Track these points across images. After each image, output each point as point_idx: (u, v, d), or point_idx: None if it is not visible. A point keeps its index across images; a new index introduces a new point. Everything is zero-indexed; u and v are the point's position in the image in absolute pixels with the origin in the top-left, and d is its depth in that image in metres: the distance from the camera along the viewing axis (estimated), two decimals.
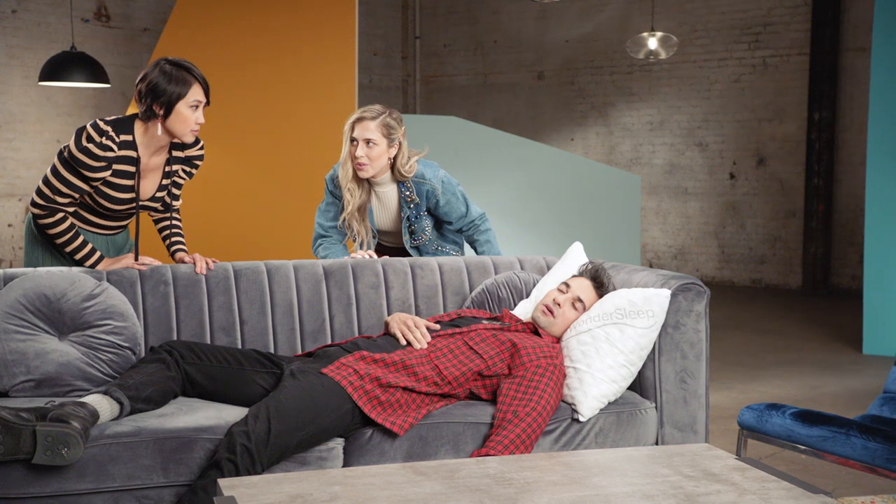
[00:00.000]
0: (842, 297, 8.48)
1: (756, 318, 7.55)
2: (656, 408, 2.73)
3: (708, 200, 9.71)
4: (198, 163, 3.06)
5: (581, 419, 2.57)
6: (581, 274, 2.89)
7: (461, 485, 1.86)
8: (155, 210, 3.02)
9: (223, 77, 5.08)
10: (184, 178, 3.06)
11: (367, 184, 3.26)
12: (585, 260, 3.08)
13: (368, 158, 3.15)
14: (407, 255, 3.39)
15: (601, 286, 2.84)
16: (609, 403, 2.64)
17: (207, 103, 2.88)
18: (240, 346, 2.90)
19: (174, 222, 3.10)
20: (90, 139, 2.75)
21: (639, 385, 2.78)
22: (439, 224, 3.41)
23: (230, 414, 2.44)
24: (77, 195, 2.83)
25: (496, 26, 10.85)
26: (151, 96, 2.78)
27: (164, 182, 2.97)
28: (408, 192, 3.26)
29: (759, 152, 9.38)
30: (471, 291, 3.14)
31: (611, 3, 10.08)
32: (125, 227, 3.10)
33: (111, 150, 2.76)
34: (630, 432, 2.66)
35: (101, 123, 2.79)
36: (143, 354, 2.78)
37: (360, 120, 3.15)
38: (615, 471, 1.98)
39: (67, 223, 2.86)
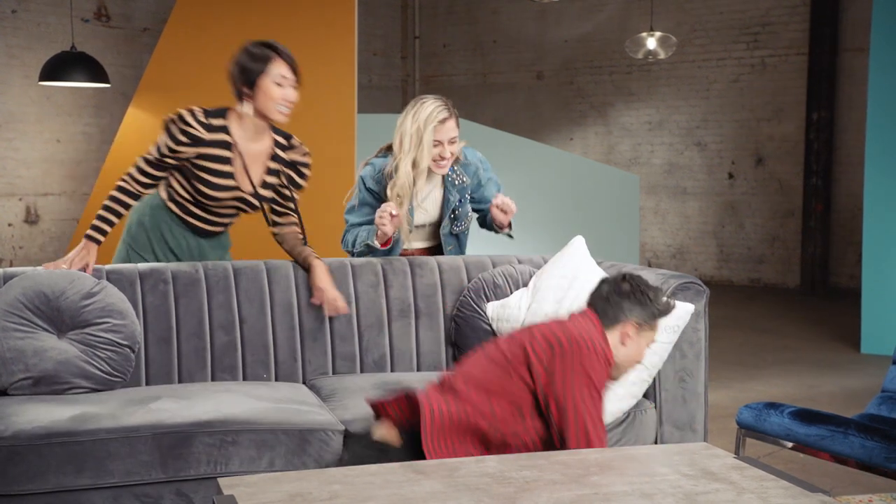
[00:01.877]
0: (840, 297, 8.49)
1: (754, 318, 7.55)
2: (655, 407, 2.73)
3: (707, 200, 9.72)
4: (304, 171, 3.00)
5: None
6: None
7: (460, 483, 1.86)
8: (254, 209, 2.97)
9: (222, 77, 5.08)
10: (290, 188, 2.99)
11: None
12: (586, 255, 3.03)
13: (452, 154, 3.06)
14: (435, 254, 3.27)
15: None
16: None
17: (299, 82, 2.87)
18: (239, 345, 2.91)
19: (298, 234, 3.02)
20: (178, 118, 2.81)
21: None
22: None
23: (228, 408, 2.45)
24: (159, 173, 2.85)
25: (495, 26, 10.85)
26: (238, 77, 2.84)
27: (269, 180, 2.95)
28: (455, 175, 3.15)
29: (757, 152, 9.39)
30: None
31: (610, 3, 10.09)
32: (222, 231, 3.08)
33: (193, 127, 2.79)
34: (629, 432, 2.66)
35: (192, 108, 2.84)
36: (141, 352, 2.79)
37: (441, 123, 2.99)
38: (614, 470, 1.98)
39: (122, 196, 2.84)
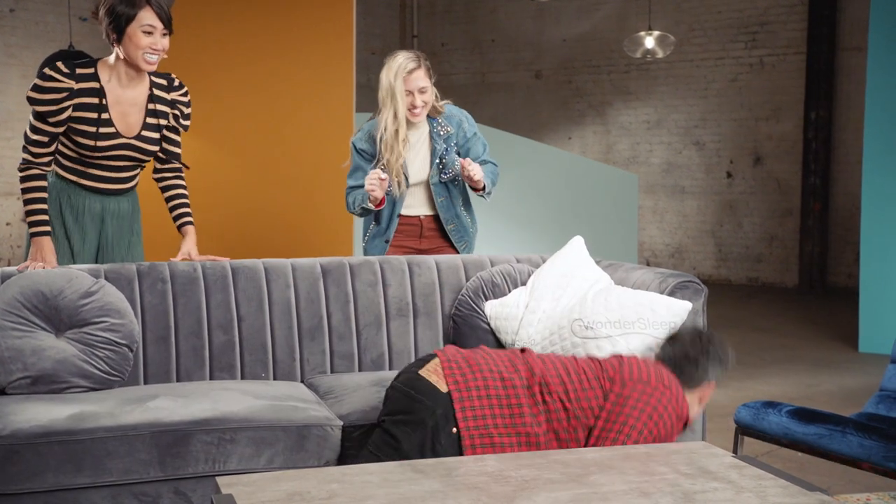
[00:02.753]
0: (838, 296, 8.50)
1: (753, 317, 7.56)
2: None
3: (705, 199, 9.73)
4: (185, 110, 3.06)
5: None
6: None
7: (459, 483, 1.86)
8: (147, 155, 2.98)
9: (221, 76, 5.08)
10: (175, 126, 3.06)
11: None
12: (585, 254, 3.04)
13: (424, 103, 3.27)
14: (430, 220, 3.40)
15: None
16: None
17: (169, 32, 2.89)
18: (237, 344, 2.91)
19: (180, 191, 3.12)
20: (40, 77, 2.84)
21: None
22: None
23: (226, 406, 2.45)
24: (47, 139, 2.88)
25: (494, 25, 10.85)
26: (106, 21, 2.86)
27: (151, 121, 2.96)
28: (439, 126, 3.36)
29: (755, 151, 9.39)
30: None
31: (608, 2, 10.09)
32: (128, 188, 3.05)
33: (59, 80, 2.82)
34: None
35: (55, 64, 2.87)
36: (140, 351, 2.79)
37: (410, 72, 3.23)
38: (613, 469, 1.98)
39: (33, 183, 2.91)
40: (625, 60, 9.84)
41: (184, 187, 3.17)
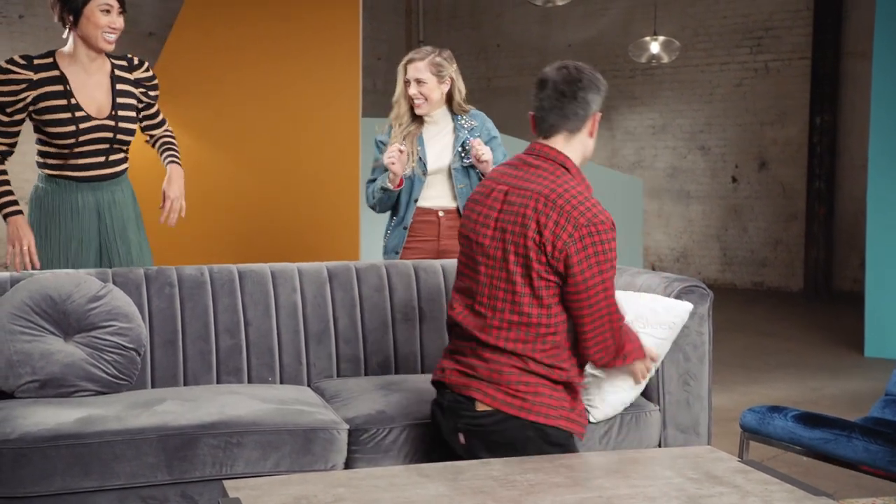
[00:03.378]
0: (843, 300, 8.48)
1: (758, 321, 7.55)
2: (660, 410, 2.74)
3: (710, 204, 9.72)
4: (150, 84, 3.07)
5: (592, 420, 2.58)
6: None
7: (465, 487, 1.87)
8: (126, 134, 2.98)
9: (228, 81, 5.10)
10: (148, 103, 3.08)
11: (418, 118, 3.46)
12: None
13: (422, 95, 3.39)
14: (449, 217, 3.45)
15: None
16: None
17: (123, 10, 2.91)
18: (244, 348, 2.92)
19: (166, 138, 3.16)
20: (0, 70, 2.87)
21: None
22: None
23: (233, 409, 2.46)
24: (5, 129, 2.90)
25: (499, 30, 10.87)
26: (61, 4, 2.87)
27: (121, 100, 2.96)
28: (463, 121, 3.49)
29: (760, 156, 9.39)
30: None
31: (613, 7, 10.10)
32: (118, 172, 3.04)
33: (16, 72, 2.84)
34: (633, 434, 2.67)
35: (10, 58, 2.91)
36: (147, 355, 2.80)
37: (410, 61, 3.41)
38: (618, 473, 1.99)
39: None
40: (630, 65, 9.85)
41: (170, 135, 3.20)
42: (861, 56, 8.52)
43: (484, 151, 3.34)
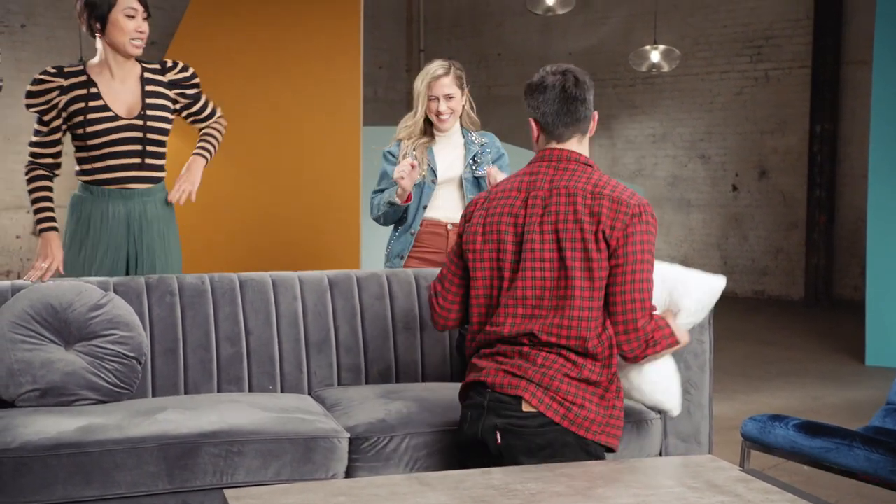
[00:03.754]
0: (844, 309, 8.48)
1: (759, 330, 7.55)
2: (661, 418, 2.73)
3: (710, 212, 9.73)
4: (188, 83, 3.11)
5: (673, 414, 2.54)
6: None
7: (466, 496, 1.87)
8: (158, 134, 3.01)
9: (229, 90, 5.11)
10: (189, 101, 3.12)
11: (429, 131, 3.42)
12: None
13: (450, 110, 3.37)
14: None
15: None
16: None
17: (148, 15, 2.97)
18: (245, 357, 2.92)
19: (208, 129, 3.21)
20: (31, 83, 2.98)
21: None
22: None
23: (233, 418, 2.46)
24: (46, 139, 2.98)
25: (500, 39, 10.90)
26: (87, 13, 2.92)
27: (151, 101, 3.00)
28: (474, 137, 3.48)
29: (761, 164, 9.40)
30: None
31: (613, 16, 10.13)
32: (149, 179, 3.04)
33: (49, 81, 2.93)
34: (635, 442, 2.66)
35: (45, 68, 3.00)
36: (148, 364, 2.80)
37: (436, 78, 3.34)
38: (619, 482, 1.99)
39: (37, 183, 2.99)
40: (630, 74, 9.87)
41: (214, 128, 3.22)
42: (861, 64, 8.54)
43: (499, 178, 3.26)
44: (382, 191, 3.44)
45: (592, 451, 2.20)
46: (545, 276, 2.22)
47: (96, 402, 2.64)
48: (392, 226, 3.50)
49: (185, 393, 2.85)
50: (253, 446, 2.39)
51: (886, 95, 5.96)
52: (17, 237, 8.10)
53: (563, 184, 2.25)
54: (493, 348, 2.28)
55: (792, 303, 9.11)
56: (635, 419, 2.68)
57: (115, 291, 2.82)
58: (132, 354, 2.69)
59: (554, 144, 2.31)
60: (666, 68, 8.18)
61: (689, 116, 9.76)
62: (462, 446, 2.33)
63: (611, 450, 2.25)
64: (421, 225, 3.41)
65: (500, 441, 2.20)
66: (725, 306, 8.52)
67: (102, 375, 2.64)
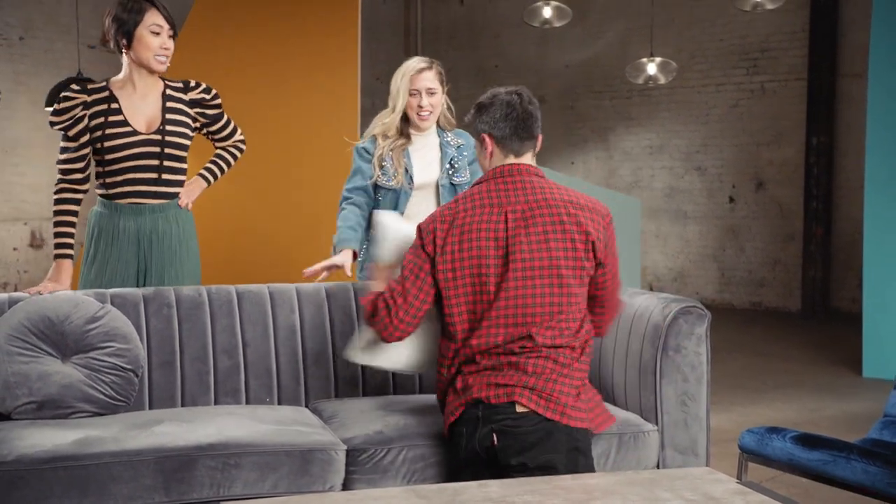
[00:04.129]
0: (841, 321, 8.49)
1: (756, 341, 7.55)
2: (658, 430, 2.73)
3: (707, 224, 9.75)
4: (209, 102, 3.14)
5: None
6: None
7: None
8: (175, 149, 3.03)
9: (227, 102, 5.11)
10: (210, 120, 3.15)
11: (405, 132, 3.32)
12: None
13: (431, 106, 3.29)
14: None
15: None
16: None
17: (175, 34, 3.00)
18: (242, 369, 2.91)
19: (223, 151, 3.25)
20: (57, 101, 2.99)
21: (640, 407, 2.79)
22: None
23: (230, 430, 2.45)
24: (74, 155, 2.98)
25: (497, 51, 10.94)
26: (114, 29, 2.96)
27: (169, 117, 3.02)
28: (450, 138, 3.40)
29: (757, 176, 9.43)
30: None
31: (610, 29, 10.17)
32: (164, 195, 3.05)
33: (74, 97, 2.95)
34: (631, 454, 2.66)
35: (70, 86, 3.06)
36: (145, 376, 2.80)
37: (418, 72, 3.25)
38: (616, 494, 1.98)
39: (62, 206, 3.00)
40: (627, 86, 9.90)
41: (228, 150, 3.26)
42: (856, 77, 8.58)
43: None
44: (350, 197, 3.30)
45: (581, 438, 2.34)
46: (536, 284, 2.35)
47: (93, 414, 2.63)
48: (365, 230, 3.35)
49: (182, 405, 2.84)
50: (250, 459, 2.38)
51: (882, 108, 5.99)
52: (15, 249, 8.09)
53: (542, 197, 2.40)
54: (476, 365, 2.36)
55: (789, 314, 9.12)
56: (632, 431, 2.68)
57: (113, 303, 2.82)
58: (129, 367, 2.69)
59: (512, 159, 2.45)
60: (662, 80, 8.21)
61: (685, 128, 9.79)
62: (461, 467, 2.36)
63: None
64: None
65: (496, 443, 2.26)
66: (723, 318, 8.57)
67: (99, 388, 2.63)
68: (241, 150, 3.29)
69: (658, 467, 2.73)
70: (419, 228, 2.44)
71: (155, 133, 2.99)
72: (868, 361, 6.00)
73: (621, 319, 2.89)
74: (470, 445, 2.31)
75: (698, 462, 2.74)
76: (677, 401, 2.74)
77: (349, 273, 3.18)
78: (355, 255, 3.27)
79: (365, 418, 2.65)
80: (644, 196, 9.94)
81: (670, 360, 2.73)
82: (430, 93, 3.26)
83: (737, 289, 9.57)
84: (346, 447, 2.49)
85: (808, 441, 2.71)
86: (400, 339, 2.48)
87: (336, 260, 3.19)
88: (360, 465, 2.47)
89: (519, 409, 2.29)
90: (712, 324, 2.86)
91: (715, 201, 9.67)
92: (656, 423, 2.74)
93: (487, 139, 2.45)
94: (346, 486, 2.47)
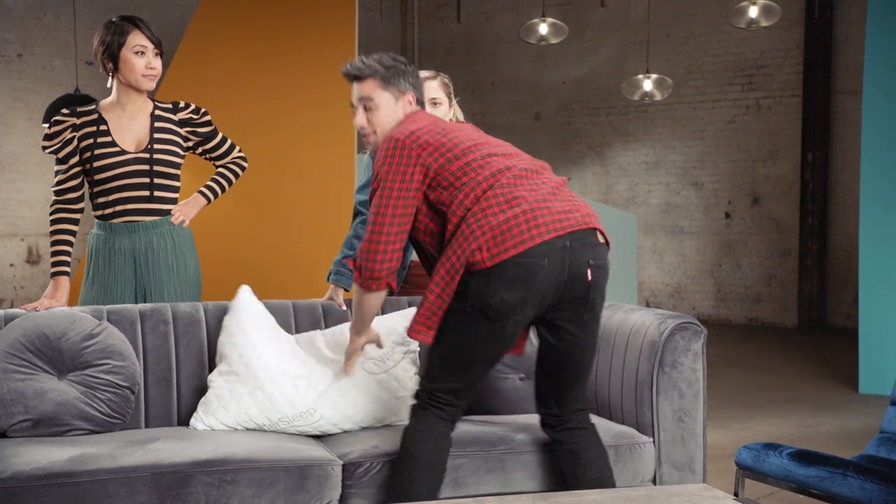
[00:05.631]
0: (837, 336, 8.49)
1: (752, 357, 7.55)
2: (654, 442, 2.73)
3: (704, 239, 9.77)
4: (199, 120, 3.15)
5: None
6: None
7: None
8: (165, 166, 3.04)
9: (224, 115, 5.12)
10: (202, 139, 3.16)
11: None
12: None
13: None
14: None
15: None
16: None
17: (160, 53, 3.02)
18: None
19: (223, 169, 3.25)
20: (49, 125, 3.03)
21: (636, 423, 2.79)
22: None
23: (226, 447, 2.45)
24: (65, 177, 3.00)
25: (494, 68, 10.99)
26: (102, 53, 3.00)
27: (158, 136, 3.04)
28: None
29: (753, 192, 9.46)
30: None
31: (606, 45, 10.23)
32: (157, 212, 3.05)
33: (63, 121, 2.99)
34: (628, 467, 2.66)
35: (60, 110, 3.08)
36: (141, 393, 2.79)
37: (423, 80, 3.12)
38: None
39: (57, 225, 3.01)
40: (623, 103, 9.95)
41: (227, 169, 3.26)
42: (851, 93, 8.63)
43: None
44: (362, 212, 3.21)
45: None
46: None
47: (89, 432, 2.62)
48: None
49: (178, 423, 2.83)
50: (246, 475, 2.38)
51: (876, 124, 6.02)
52: (11, 265, 8.08)
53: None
54: (512, 193, 2.22)
55: (785, 330, 9.12)
56: (628, 443, 2.68)
57: (109, 320, 2.81)
58: (125, 384, 2.69)
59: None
60: (658, 97, 8.26)
61: (681, 144, 9.83)
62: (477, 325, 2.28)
63: None
64: (409, 267, 3.33)
65: (590, 278, 2.18)
66: (719, 333, 8.57)
67: (95, 405, 2.63)
68: (242, 168, 3.29)
69: (655, 483, 2.72)
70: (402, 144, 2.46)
71: (143, 152, 3.01)
72: (864, 377, 6.00)
73: (618, 335, 2.89)
74: (552, 278, 2.11)
75: (695, 478, 2.74)
76: (674, 417, 2.74)
77: (343, 308, 3.12)
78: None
79: (362, 432, 2.65)
80: (640, 212, 9.97)
81: (667, 377, 2.73)
82: (434, 103, 3.18)
83: (733, 304, 9.58)
84: (342, 462, 2.49)
85: (804, 457, 2.71)
86: (391, 270, 2.35)
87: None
88: (357, 479, 2.47)
89: (600, 238, 2.19)
90: (709, 339, 2.86)
91: (711, 217, 9.70)
92: (653, 439, 2.74)
93: (412, 96, 2.62)
94: (343, 500, 2.47)
